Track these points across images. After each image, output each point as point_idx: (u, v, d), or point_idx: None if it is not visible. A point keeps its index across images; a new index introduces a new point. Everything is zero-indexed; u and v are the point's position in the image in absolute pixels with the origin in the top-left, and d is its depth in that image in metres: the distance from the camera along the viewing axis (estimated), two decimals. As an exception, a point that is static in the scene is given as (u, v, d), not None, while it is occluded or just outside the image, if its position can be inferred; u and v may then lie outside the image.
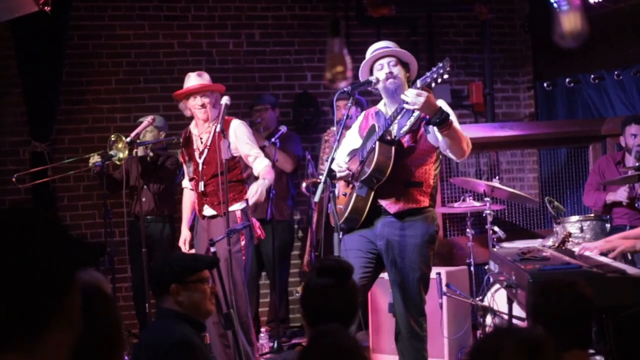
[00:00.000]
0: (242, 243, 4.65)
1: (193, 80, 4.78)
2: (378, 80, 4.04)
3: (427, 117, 3.76)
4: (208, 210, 4.75)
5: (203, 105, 4.71)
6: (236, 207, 4.68)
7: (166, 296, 2.90)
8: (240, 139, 4.70)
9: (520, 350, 1.65)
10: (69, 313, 1.22)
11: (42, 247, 1.19)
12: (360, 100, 5.83)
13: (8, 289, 1.15)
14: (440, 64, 3.67)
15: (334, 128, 6.09)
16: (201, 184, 4.73)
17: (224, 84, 5.06)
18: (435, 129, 3.78)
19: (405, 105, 3.73)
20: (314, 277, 2.54)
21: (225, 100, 4.60)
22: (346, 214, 4.02)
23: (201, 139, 4.78)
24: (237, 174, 4.74)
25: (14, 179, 5.43)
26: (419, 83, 3.72)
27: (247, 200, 4.70)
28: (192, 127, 4.88)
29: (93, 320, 1.70)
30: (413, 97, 3.65)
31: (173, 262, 3.05)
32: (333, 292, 2.46)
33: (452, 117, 3.87)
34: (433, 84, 3.73)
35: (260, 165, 4.68)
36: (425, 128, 3.94)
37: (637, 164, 5.13)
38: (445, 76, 3.67)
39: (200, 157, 4.75)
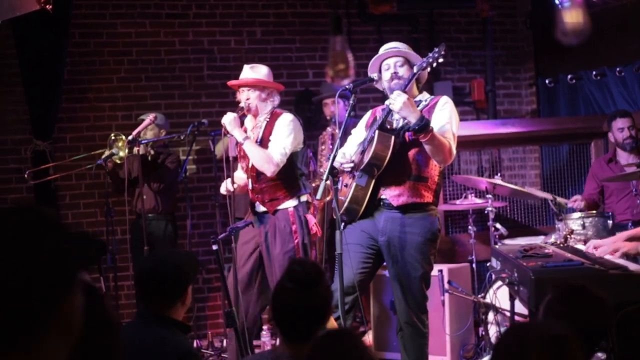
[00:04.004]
0: (296, 241, 4.50)
1: (243, 73, 4.71)
2: (380, 78, 4.07)
3: (408, 121, 3.81)
4: (259, 207, 4.63)
5: (247, 99, 4.61)
6: (288, 205, 4.54)
7: (177, 302, 2.69)
8: (275, 130, 4.55)
9: (547, 346, 1.64)
10: (69, 315, 1.20)
11: (42, 248, 1.16)
12: (345, 94, 5.80)
13: (5, 291, 1.12)
14: (436, 49, 3.89)
15: (330, 129, 6.09)
16: (249, 180, 4.62)
17: (225, 82, 5.05)
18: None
19: (390, 105, 3.82)
20: (284, 280, 2.50)
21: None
22: (345, 204, 4.02)
23: (253, 133, 4.66)
24: (288, 170, 4.54)
25: (25, 175, 5.57)
26: (415, 68, 3.92)
27: (299, 197, 4.56)
28: (247, 120, 4.72)
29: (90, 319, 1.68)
30: (394, 96, 3.77)
31: (183, 264, 2.79)
32: (299, 298, 2.42)
33: (453, 122, 3.97)
34: (429, 68, 3.96)
35: (271, 152, 4.46)
36: (400, 133, 3.95)
37: (637, 161, 5.11)
38: (440, 60, 3.88)
39: None
